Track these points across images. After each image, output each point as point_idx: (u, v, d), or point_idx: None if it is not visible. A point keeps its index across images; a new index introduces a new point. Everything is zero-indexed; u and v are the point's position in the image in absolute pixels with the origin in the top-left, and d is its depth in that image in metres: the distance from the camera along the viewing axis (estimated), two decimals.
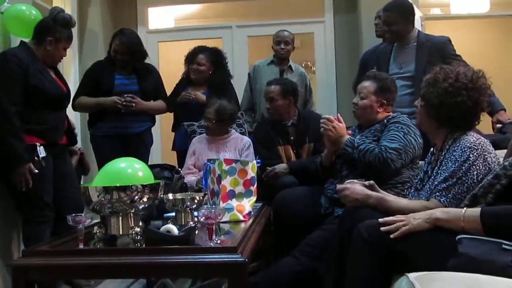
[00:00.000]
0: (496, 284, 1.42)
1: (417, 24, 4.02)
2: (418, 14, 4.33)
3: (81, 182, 3.78)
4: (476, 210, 1.68)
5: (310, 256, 2.47)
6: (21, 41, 3.04)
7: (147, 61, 3.81)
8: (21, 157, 2.76)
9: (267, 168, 3.15)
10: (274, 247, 2.80)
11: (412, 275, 1.58)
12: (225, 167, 2.32)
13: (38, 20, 3.08)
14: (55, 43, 2.96)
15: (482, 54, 5.83)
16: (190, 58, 3.88)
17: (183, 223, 2.11)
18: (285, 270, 2.46)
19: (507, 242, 1.55)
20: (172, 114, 3.98)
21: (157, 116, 3.97)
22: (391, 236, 1.76)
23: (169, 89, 3.97)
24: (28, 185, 2.80)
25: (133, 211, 1.92)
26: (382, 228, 1.80)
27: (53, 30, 2.94)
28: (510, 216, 1.60)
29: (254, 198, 2.38)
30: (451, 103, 2.04)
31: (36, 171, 2.81)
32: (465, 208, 1.73)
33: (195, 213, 2.15)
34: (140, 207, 1.93)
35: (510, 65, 5.83)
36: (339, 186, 2.29)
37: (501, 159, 2.10)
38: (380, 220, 1.84)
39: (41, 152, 2.88)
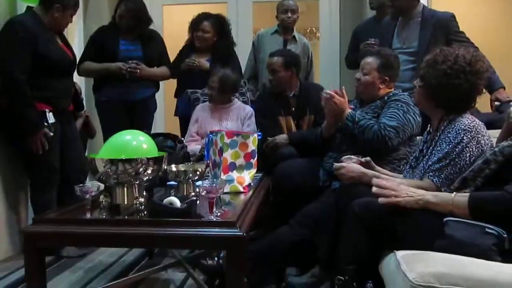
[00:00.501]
0: (476, 266, 1.51)
1: None
2: None
3: (87, 146, 3.88)
4: (465, 195, 1.76)
5: (306, 226, 2.56)
6: (28, 7, 3.05)
7: (151, 27, 3.83)
8: (36, 125, 2.85)
9: (268, 138, 3.22)
10: (272, 216, 2.89)
11: (399, 254, 1.68)
12: (227, 140, 2.39)
13: None
14: (62, 10, 2.98)
15: (489, 27, 5.81)
16: (195, 25, 3.89)
17: (185, 194, 2.20)
18: (281, 239, 2.55)
19: (490, 226, 1.63)
20: (175, 80, 4.03)
21: (160, 82, 4.01)
22: (379, 200, 1.84)
23: (172, 52, 4.00)
24: (45, 147, 2.89)
25: (137, 182, 1.99)
26: (373, 189, 1.89)
27: None
28: (496, 202, 1.68)
29: (254, 171, 2.45)
30: (448, 85, 2.09)
31: (52, 134, 2.90)
32: (454, 193, 1.80)
33: (197, 183, 2.24)
34: (144, 178, 2.01)
35: None
36: (336, 165, 2.37)
37: (495, 140, 2.17)
38: (373, 181, 1.93)
39: (50, 118, 2.96)
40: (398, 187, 1.90)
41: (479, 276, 1.46)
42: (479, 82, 2.12)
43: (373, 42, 3.58)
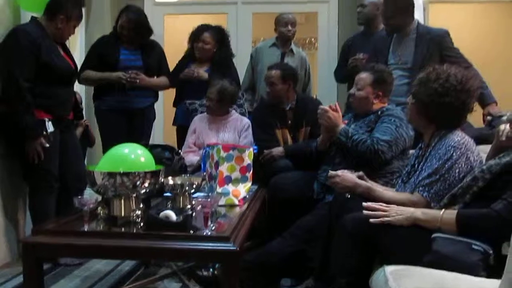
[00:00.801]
0: (460, 282, 1.56)
1: (419, 8, 4.08)
2: None
3: (86, 154, 3.92)
4: (453, 213, 1.82)
5: (300, 238, 2.62)
6: (32, 17, 3.11)
7: (152, 37, 3.89)
8: (34, 132, 2.89)
9: (264, 150, 3.28)
10: (268, 227, 2.94)
11: (388, 269, 1.73)
12: (223, 153, 2.45)
13: None
14: (66, 21, 3.03)
15: (485, 38, 5.87)
16: (195, 36, 3.95)
17: (181, 206, 2.25)
18: (275, 250, 2.61)
19: (476, 243, 1.70)
20: (174, 89, 4.08)
21: (159, 92, 4.07)
22: (370, 220, 1.90)
23: (173, 61, 4.06)
24: (40, 157, 2.94)
25: (134, 195, 2.05)
26: (364, 212, 1.94)
27: (66, 8, 3.00)
28: (482, 220, 1.74)
29: (249, 184, 2.51)
30: (439, 103, 2.14)
31: (47, 145, 2.94)
32: (443, 210, 1.87)
33: (194, 196, 2.29)
34: (142, 191, 2.06)
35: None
36: (331, 173, 2.42)
37: (485, 155, 2.23)
38: (364, 204, 1.98)
39: (49, 127, 3.00)
40: (388, 207, 1.96)
41: None
42: (469, 100, 2.17)
43: (361, 57, 3.64)
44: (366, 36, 3.95)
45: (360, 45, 3.86)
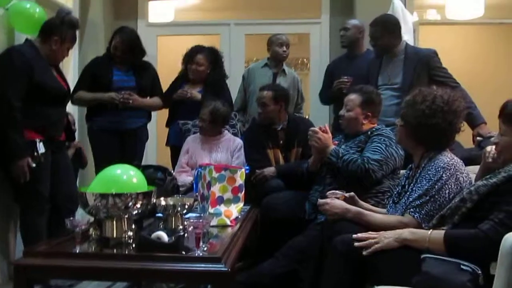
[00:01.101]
0: None
1: (409, 31, 4.16)
2: (411, 19, 4.46)
3: (78, 175, 3.92)
4: (440, 233, 1.84)
5: (292, 259, 2.63)
6: (26, 39, 3.14)
7: (145, 57, 3.93)
8: (22, 152, 2.89)
9: (257, 170, 3.30)
10: (260, 247, 2.95)
11: None
12: (215, 174, 2.47)
13: (42, 17, 3.19)
14: (60, 43, 3.06)
15: (475, 60, 5.96)
16: (189, 57, 3.99)
17: (173, 227, 2.26)
18: (267, 271, 2.62)
19: (465, 263, 1.72)
20: (166, 110, 4.11)
21: (152, 112, 4.09)
22: (364, 252, 1.93)
23: (166, 81, 4.09)
24: (26, 178, 2.93)
25: (126, 216, 2.05)
26: (355, 244, 1.96)
27: (60, 30, 3.03)
28: (470, 240, 1.77)
29: (241, 204, 2.53)
30: (427, 124, 2.18)
31: (34, 165, 2.94)
32: (431, 230, 1.89)
33: (186, 216, 2.30)
34: (134, 212, 2.07)
35: (502, 70, 5.96)
36: (320, 201, 2.43)
37: (474, 175, 2.26)
38: (354, 236, 2.00)
39: (40, 148, 3.00)
40: (377, 234, 1.98)
41: None
42: (456, 121, 2.21)
43: (346, 79, 3.70)
44: (349, 59, 4.03)
45: (344, 67, 3.93)
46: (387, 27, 3.37)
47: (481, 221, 1.80)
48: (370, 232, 2.01)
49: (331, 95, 3.93)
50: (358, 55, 3.96)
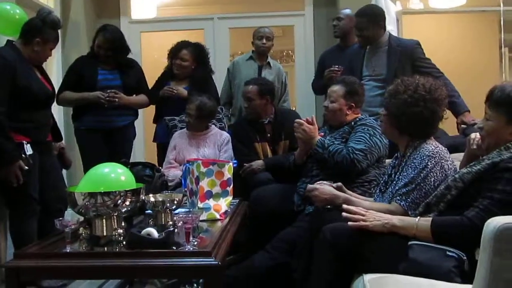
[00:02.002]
0: None
1: (393, 21, 4.19)
2: (394, 9, 4.49)
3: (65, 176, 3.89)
4: (428, 220, 1.88)
5: (282, 251, 2.65)
6: (8, 40, 3.11)
7: (129, 54, 3.92)
8: (12, 156, 2.87)
9: (245, 164, 3.31)
10: (250, 241, 2.97)
11: (367, 277, 1.78)
12: (203, 169, 2.48)
13: (23, 17, 3.15)
14: (42, 44, 3.02)
15: (458, 48, 6.01)
16: (174, 53, 3.99)
17: (163, 223, 2.27)
18: (257, 264, 2.64)
19: (451, 249, 1.75)
20: (153, 106, 4.11)
21: (139, 109, 4.09)
22: (349, 223, 1.95)
23: (151, 78, 4.08)
24: (20, 181, 2.92)
25: (116, 214, 2.06)
26: (343, 214, 2.00)
27: (42, 31, 2.99)
28: (456, 227, 1.80)
29: (230, 198, 2.54)
30: (409, 113, 2.21)
31: (26, 167, 2.93)
32: (418, 217, 1.92)
33: (175, 212, 2.31)
34: (123, 210, 2.07)
35: (484, 58, 6.02)
36: (309, 186, 2.47)
37: (459, 163, 2.30)
38: (344, 206, 2.04)
39: (28, 149, 2.99)
40: (367, 212, 2.01)
41: None
42: (439, 109, 2.24)
43: (337, 69, 3.72)
44: (341, 49, 4.06)
45: (335, 58, 3.95)
46: (374, 18, 3.39)
47: (467, 208, 1.83)
48: (360, 208, 2.04)
49: (322, 84, 3.95)
50: (350, 45, 3.97)
